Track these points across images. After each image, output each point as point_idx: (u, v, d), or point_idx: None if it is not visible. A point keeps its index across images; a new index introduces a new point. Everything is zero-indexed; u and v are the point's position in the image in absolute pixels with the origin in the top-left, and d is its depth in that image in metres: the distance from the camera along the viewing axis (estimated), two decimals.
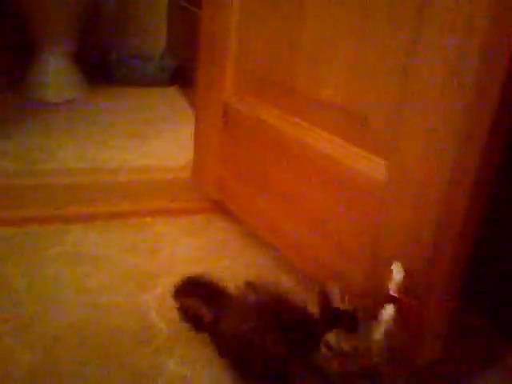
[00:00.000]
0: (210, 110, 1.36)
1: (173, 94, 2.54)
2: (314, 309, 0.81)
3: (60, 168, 1.55)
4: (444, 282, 0.78)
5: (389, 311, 0.73)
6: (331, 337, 0.73)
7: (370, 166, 0.88)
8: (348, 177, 0.94)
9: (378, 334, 0.73)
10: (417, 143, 0.78)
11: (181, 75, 2.64)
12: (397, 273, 0.75)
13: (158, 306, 1.11)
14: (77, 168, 1.56)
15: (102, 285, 1.17)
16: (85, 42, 2.47)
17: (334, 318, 0.74)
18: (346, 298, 0.74)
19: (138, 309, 1.10)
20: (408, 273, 0.75)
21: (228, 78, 1.28)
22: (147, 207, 1.51)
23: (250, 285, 0.96)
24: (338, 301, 0.74)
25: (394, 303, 0.73)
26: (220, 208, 1.52)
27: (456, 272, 0.79)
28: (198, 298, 1.02)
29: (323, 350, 0.74)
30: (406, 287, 0.73)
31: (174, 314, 1.07)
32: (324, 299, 0.75)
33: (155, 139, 1.86)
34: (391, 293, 0.74)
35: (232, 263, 1.31)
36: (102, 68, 2.63)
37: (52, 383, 0.88)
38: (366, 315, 0.74)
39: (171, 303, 1.12)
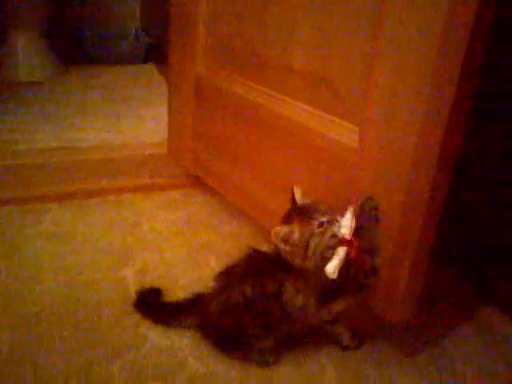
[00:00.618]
0: (183, 83, 1.35)
1: (148, 71, 2.50)
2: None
3: (34, 148, 1.52)
4: (416, 242, 0.79)
5: (341, 252, 0.78)
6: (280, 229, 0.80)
7: (343, 133, 0.89)
8: (321, 145, 0.95)
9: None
10: (386, 108, 0.79)
11: (156, 52, 2.60)
12: (350, 218, 0.79)
13: (138, 280, 1.12)
14: (52, 147, 1.53)
15: (81, 262, 1.17)
16: (58, 21, 2.41)
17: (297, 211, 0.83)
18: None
19: (118, 284, 1.10)
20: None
21: (199, 50, 1.26)
22: (125, 184, 1.51)
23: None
24: (299, 198, 0.84)
25: (346, 245, 0.78)
26: (199, 183, 1.52)
27: (427, 233, 0.80)
28: None
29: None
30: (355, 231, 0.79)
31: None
32: (292, 199, 0.85)
33: (131, 117, 1.84)
34: (346, 236, 0.78)
35: (211, 236, 1.32)
36: (77, 47, 2.58)
37: (33, 360, 0.89)
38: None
39: (151, 277, 1.13)
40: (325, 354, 0.96)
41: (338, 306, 0.87)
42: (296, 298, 0.84)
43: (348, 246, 0.78)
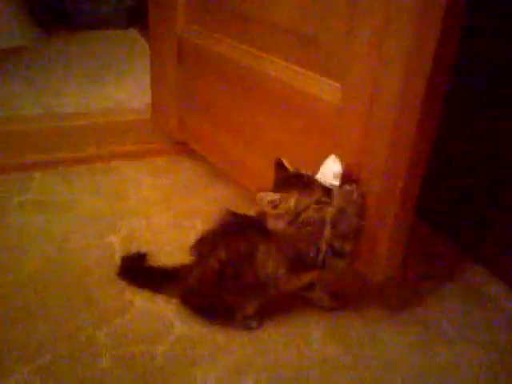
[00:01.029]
0: (164, 45, 1.31)
1: (132, 35, 2.44)
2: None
3: (16, 115, 1.49)
4: (399, 203, 0.79)
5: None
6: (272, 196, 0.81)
7: (325, 90, 0.87)
8: (304, 102, 0.93)
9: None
10: (368, 63, 0.77)
11: (139, 16, 2.52)
12: (333, 165, 0.81)
13: (124, 246, 1.11)
14: (34, 114, 1.50)
15: (67, 230, 1.17)
16: None
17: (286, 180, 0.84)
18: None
19: (104, 250, 1.10)
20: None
21: (179, 9, 1.22)
22: (110, 151, 1.49)
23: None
24: (288, 168, 0.85)
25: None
26: (184, 148, 1.50)
27: (409, 195, 0.80)
28: None
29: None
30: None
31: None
32: (277, 168, 0.86)
33: (114, 83, 1.80)
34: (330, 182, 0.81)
35: (197, 201, 1.31)
36: (57, 12, 2.50)
37: (20, 327, 0.89)
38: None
39: (138, 243, 1.13)
40: (310, 315, 0.97)
41: (306, 277, 0.89)
42: (267, 262, 0.85)
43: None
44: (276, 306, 0.95)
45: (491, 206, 1.08)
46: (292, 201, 0.81)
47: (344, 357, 0.88)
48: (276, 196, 0.81)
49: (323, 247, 0.82)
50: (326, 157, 0.85)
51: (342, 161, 0.81)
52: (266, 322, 0.94)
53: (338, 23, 0.83)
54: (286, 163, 0.86)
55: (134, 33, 2.47)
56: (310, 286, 0.93)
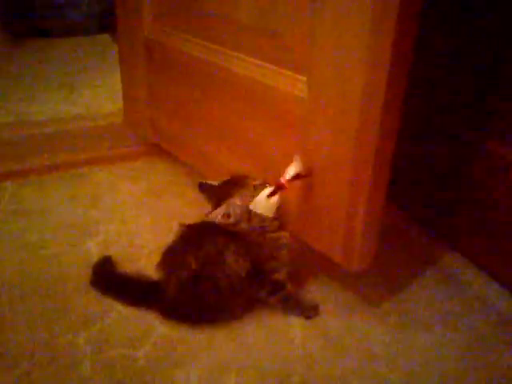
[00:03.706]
0: (132, 47, 1.31)
1: (103, 41, 2.42)
2: None
3: None
4: (369, 186, 0.79)
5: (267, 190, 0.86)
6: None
7: (292, 84, 0.88)
8: (272, 97, 0.93)
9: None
10: (331, 57, 0.78)
11: (111, 22, 2.50)
12: (293, 165, 0.85)
13: (101, 251, 1.10)
14: (3, 122, 1.47)
15: (42, 237, 1.15)
16: None
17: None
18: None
19: (81, 256, 1.09)
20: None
21: (145, 10, 1.22)
22: (84, 157, 1.47)
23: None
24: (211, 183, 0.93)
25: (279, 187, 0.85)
26: (159, 150, 1.49)
27: (379, 183, 0.81)
28: None
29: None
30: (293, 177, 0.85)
31: (119, 260, 1.07)
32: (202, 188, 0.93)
33: (86, 88, 1.78)
34: (281, 179, 0.85)
35: (175, 203, 1.31)
36: (28, 19, 2.46)
37: None
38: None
39: (115, 248, 1.12)
40: None
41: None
42: (237, 263, 0.87)
43: (278, 187, 0.85)
44: (255, 304, 0.96)
45: (463, 193, 1.10)
46: (237, 203, 0.86)
47: (325, 349, 0.89)
48: (222, 209, 0.86)
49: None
50: (295, 149, 0.87)
51: (299, 162, 0.86)
52: (246, 320, 0.94)
53: (300, 18, 0.83)
54: (208, 180, 0.93)
55: (105, 38, 2.45)
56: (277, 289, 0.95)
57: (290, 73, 0.88)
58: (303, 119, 0.86)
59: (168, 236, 1.13)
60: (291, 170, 0.85)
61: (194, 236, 0.92)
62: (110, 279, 1.01)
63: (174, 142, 1.34)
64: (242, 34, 0.97)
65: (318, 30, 0.79)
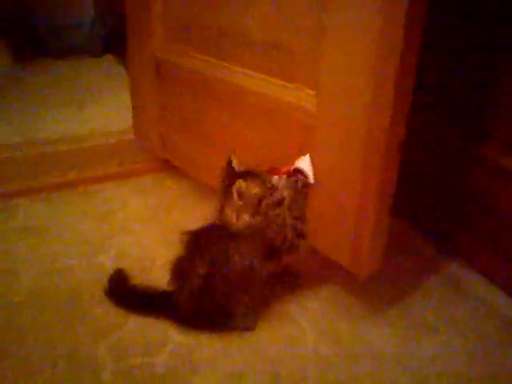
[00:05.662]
0: (143, 65, 1.35)
1: (108, 61, 2.48)
2: None
3: None
4: (377, 198, 0.83)
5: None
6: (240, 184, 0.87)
7: (302, 98, 0.92)
8: (282, 111, 0.97)
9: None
10: (339, 72, 0.82)
11: (115, 42, 2.57)
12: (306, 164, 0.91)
13: (115, 265, 1.13)
14: (15, 143, 1.51)
15: (56, 252, 1.18)
16: (11, 16, 2.35)
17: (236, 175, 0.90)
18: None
19: (95, 269, 1.12)
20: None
21: (156, 29, 1.27)
22: (94, 174, 1.51)
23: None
24: (237, 165, 0.91)
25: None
26: (169, 166, 1.53)
27: (387, 189, 0.84)
28: None
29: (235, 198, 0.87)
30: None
31: (132, 272, 1.10)
32: (228, 166, 0.92)
33: (93, 106, 1.82)
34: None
35: (185, 217, 1.34)
36: (32, 41, 2.52)
37: (19, 351, 0.90)
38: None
39: (129, 260, 1.15)
40: (301, 318, 1.00)
41: (279, 262, 0.97)
42: (243, 261, 0.89)
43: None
44: (269, 311, 0.99)
45: (466, 201, 1.14)
46: (254, 189, 0.86)
47: (337, 355, 0.91)
48: (241, 183, 0.87)
49: (288, 231, 0.89)
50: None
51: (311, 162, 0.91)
52: (261, 327, 0.97)
53: (308, 34, 0.88)
54: (235, 161, 0.91)
55: (110, 59, 2.51)
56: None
57: (299, 87, 0.93)
58: (312, 131, 0.90)
59: (178, 249, 1.19)
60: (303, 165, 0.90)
61: (199, 242, 0.94)
62: (124, 291, 1.04)
63: (184, 158, 1.37)
64: (253, 51, 1.01)
65: (325, 47, 0.83)
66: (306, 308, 1.02)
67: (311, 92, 0.90)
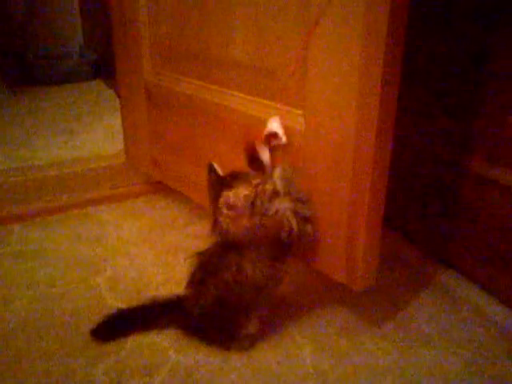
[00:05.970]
0: (133, 89, 1.37)
1: (97, 86, 2.51)
2: None
3: None
4: (367, 214, 0.85)
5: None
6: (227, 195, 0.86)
7: (289, 118, 0.94)
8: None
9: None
10: (324, 93, 0.85)
11: (103, 68, 2.60)
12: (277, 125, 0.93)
13: (111, 287, 1.13)
14: (6, 168, 1.52)
15: (50, 276, 1.18)
16: (0, 46, 2.38)
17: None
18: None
19: (91, 292, 1.12)
20: None
21: (144, 54, 1.30)
22: (87, 198, 1.52)
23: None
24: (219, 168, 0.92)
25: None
26: (161, 188, 1.54)
27: (377, 204, 0.86)
28: None
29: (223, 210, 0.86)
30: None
31: (129, 293, 1.11)
32: (211, 173, 0.92)
33: (84, 132, 1.84)
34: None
35: (179, 237, 1.35)
36: (21, 70, 2.55)
37: (14, 379, 0.89)
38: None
39: (124, 282, 1.15)
40: (298, 332, 1.01)
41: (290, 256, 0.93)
42: (255, 269, 0.87)
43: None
44: (266, 328, 0.99)
45: (456, 210, 1.17)
46: (242, 194, 0.85)
47: (336, 367, 0.92)
48: (230, 194, 0.85)
49: (291, 218, 0.86)
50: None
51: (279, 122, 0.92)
52: (258, 344, 0.97)
53: (293, 56, 0.90)
54: (217, 168, 0.91)
55: (99, 83, 2.54)
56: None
57: (286, 107, 0.95)
58: (301, 149, 0.92)
59: (174, 269, 1.19)
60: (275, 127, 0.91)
61: (208, 262, 0.94)
62: (119, 320, 1.02)
63: (177, 178, 1.38)
64: (239, 73, 1.04)
65: (310, 68, 0.86)
66: (303, 324, 1.03)
67: (298, 111, 0.92)
